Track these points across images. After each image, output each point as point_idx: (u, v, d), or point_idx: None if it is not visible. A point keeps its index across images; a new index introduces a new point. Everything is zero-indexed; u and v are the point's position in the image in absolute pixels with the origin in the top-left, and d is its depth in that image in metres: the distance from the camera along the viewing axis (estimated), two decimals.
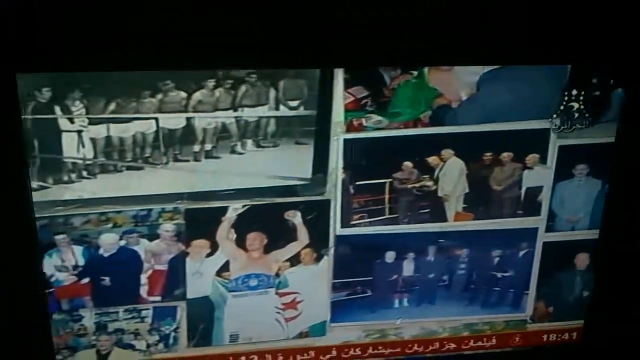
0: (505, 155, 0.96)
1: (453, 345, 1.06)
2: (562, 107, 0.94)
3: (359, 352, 1.03)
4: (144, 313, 0.94)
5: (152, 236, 0.90)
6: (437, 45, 0.86)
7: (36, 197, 0.84)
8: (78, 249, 0.89)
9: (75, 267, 0.89)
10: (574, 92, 0.93)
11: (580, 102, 0.94)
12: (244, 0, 0.81)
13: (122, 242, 0.90)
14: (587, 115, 0.95)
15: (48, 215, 0.86)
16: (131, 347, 0.95)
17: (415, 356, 1.05)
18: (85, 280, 0.90)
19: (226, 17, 0.81)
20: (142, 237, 0.90)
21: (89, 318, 0.92)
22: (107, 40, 0.78)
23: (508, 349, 1.08)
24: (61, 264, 0.89)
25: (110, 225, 0.88)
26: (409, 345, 1.04)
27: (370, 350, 1.04)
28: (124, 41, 0.79)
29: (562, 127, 0.95)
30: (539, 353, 1.09)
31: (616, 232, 1.02)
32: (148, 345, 0.96)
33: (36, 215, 0.85)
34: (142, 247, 0.91)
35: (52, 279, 0.89)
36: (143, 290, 0.93)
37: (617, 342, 1.09)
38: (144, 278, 0.92)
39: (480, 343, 1.06)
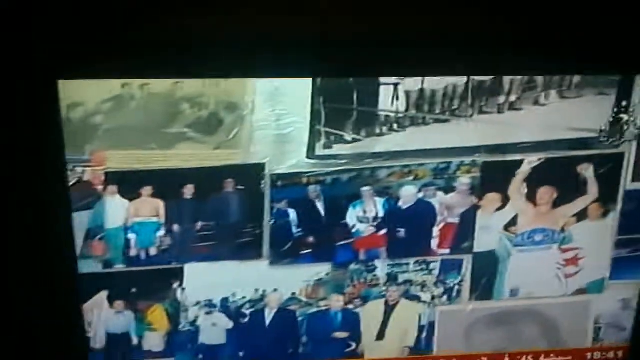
0: None
1: None
2: None
3: None
4: (432, 265, 0.96)
5: (448, 189, 0.92)
6: None
7: (349, 149, 0.87)
8: (380, 201, 0.91)
9: (375, 218, 0.92)
10: None
11: None
12: None
13: (420, 195, 0.92)
14: None
15: (360, 168, 0.89)
16: (417, 298, 0.98)
17: None
18: (383, 231, 0.93)
19: None
20: (439, 190, 0.92)
21: (381, 269, 0.95)
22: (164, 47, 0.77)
23: None
24: (363, 215, 0.92)
25: (411, 178, 0.90)
26: None
27: None
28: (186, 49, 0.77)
29: None
30: None
31: None
32: (432, 298, 0.98)
33: (350, 167, 0.88)
34: (438, 200, 0.92)
35: (353, 230, 0.92)
36: (434, 243, 0.95)
37: None
38: (435, 231, 0.94)
39: None
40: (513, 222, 0.95)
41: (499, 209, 0.94)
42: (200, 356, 0.95)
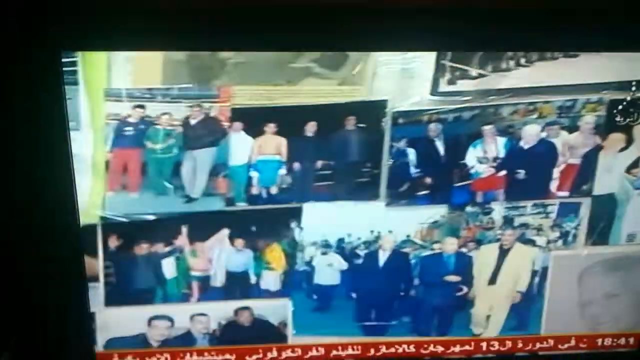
0: None
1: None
2: None
3: None
4: (549, 209, 0.94)
5: (572, 128, 0.89)
6: None
7: (474, 85, 0.85)
8: (501, 140, 0.89)
9: (496, 158, 0.90)
10: None
11: None
12: None
13: (543, 134, 0.89)
14: None
15: (483, 105, 0.87)
16: (532, 242, 0.96)
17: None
18: (502, 172, 0.91)
19: None
20: (562, 128, 0.89)
21: (498, 212, 0.93)
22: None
23: None
24: (483, 155, 0.90)
25: (535, 116, 0.88)
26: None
27: None
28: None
29: None
30: None
31: None
32: (548, 242, 0.96)
33: (473, 105, 0.86)
34: (561, 139, 0.90)
35: (472, 170, 0.91)
36: (553, 185, 0.92)
37: None
38: (556, 172, 0.92)
39: None
40: (636, 164, 0.92)
41: (622, 150, 0.91)
42: (315, 296, 0.95)
